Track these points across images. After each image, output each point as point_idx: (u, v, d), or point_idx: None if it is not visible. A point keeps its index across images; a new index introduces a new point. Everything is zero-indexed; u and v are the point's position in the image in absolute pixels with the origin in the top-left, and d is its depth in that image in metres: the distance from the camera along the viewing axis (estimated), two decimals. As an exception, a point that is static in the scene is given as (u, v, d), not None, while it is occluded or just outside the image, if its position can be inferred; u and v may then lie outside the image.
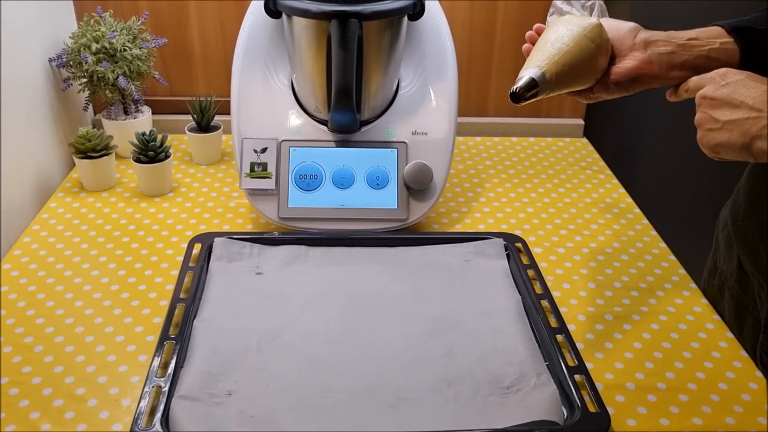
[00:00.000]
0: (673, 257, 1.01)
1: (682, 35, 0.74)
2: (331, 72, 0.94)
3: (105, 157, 1.11)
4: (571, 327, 0.84)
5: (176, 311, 0.83)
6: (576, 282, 0.95)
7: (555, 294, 0.91)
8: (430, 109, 1.06)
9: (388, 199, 1.01)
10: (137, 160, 1.10)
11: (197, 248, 0.95)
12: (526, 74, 0.74)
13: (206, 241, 0.96)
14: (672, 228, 1.12)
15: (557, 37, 0.76)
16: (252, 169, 1.01)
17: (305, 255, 0.96)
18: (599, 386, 0.75)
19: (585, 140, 1.39)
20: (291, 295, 0.88)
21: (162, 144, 1.11)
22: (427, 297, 0.89)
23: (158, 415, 0.69)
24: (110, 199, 1.11)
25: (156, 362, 0.75)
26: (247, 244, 0.96)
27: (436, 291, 0.90)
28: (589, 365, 0.78)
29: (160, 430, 0.67)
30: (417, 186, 1.01)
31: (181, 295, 0.86)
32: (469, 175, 1.23)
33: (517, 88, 0.74)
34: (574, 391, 0.73)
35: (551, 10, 0.86)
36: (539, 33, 0.79)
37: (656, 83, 0.75)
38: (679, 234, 1.11)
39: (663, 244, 1.05)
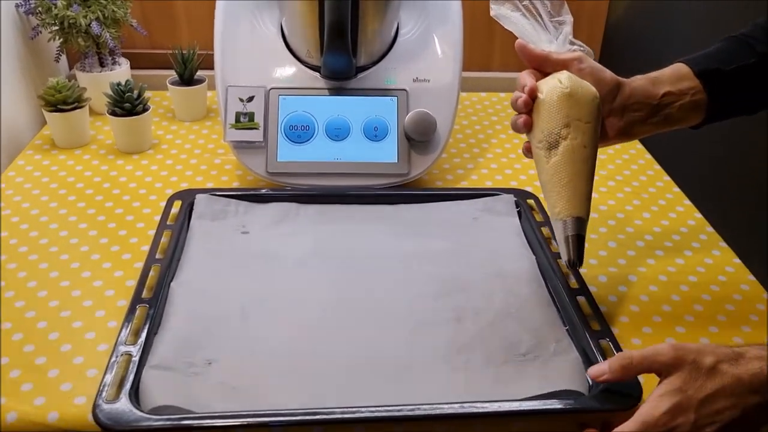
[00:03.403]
0: (699, 215, 0.93)
1: (658, 90, 0.69)
2: (324, 10, 0.85)
3: (77, 111, 1.02)
4: (592, 289, 0.76)
5: (151, 273, 0.75)
6: (595, 241, 0.86)
7: (572, 253, 0.82)
8: (433, 54, 0.96)
9: (388, 152, 0.92)
10: (112, 113, 1.01)
11: (177, 206, 0.86)
12: (568, 230, 0.66)
13: (187, 198, 0.87)
14: (694, 189, 1.03)
15: (578, 164, 0.66)
16: (237, 120, 0.92)
17: (296, 213, 0.87)
18: (627, 353, 0.67)
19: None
20: (280, 256, 0.79)
21: (140, 96, 1.01)
22: (432, 258, 0.80)
23: (127, 386, 0.60)
24: (84, 157, 1.02)
25: (126, 328, 0.67)
26: (233, 201, 0.87)
27: (441, 251, 0.81)
28: (614, 330, 0.70)
29: (128, 403, 0.58)
30: (419, 137, 0.92)
31: (157, 256, 0.77)
32: (474, 131, 1.14)
33: (572, 260, 0.66)
34: (599, 357, 0.65)
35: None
36: (532, 96, 0.67)
37: (629, 140, 0.73)
38: (703, 195, 1.03)
39: (687, 202, 0.96)
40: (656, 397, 0.56)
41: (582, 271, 0.79)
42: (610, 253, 0.84)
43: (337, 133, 0.92)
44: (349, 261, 0.79)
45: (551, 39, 0.70)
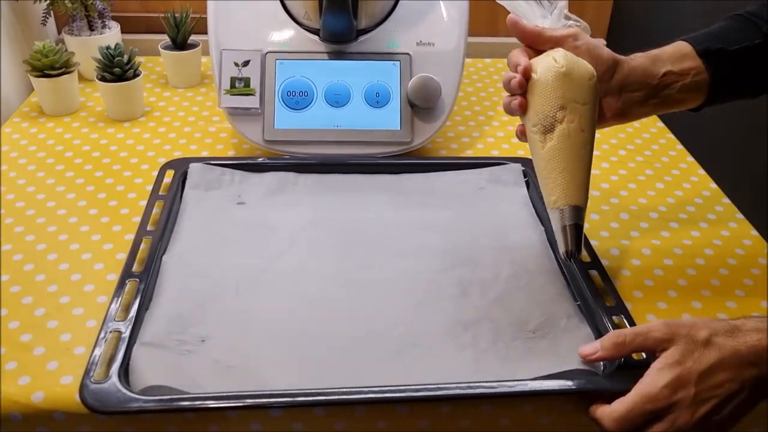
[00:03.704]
0: (714, 185, 0.89)
1: (658, 69, 0.65)
2: (323, -33, 0.80)
3: (65, 76, 0.98)
4: (603, 262, 0.72)
5: (142, 245, 0.71)
6: (606, 212, 0.83)
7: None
8: (437, 16, 0.92)
9: (390, 119, 0.88)
10: (102, 79, 0.96)
11: (169, 175, 0.82)
12: (565, 220, 0.62)
13: (180, 167, 0.83)
14: (708, 155, 0.99)
15: (575, 149, 0.62)
16: (233, 85, 0.87)
17: (294, 182, 0.83)
18: (642, 329, 0.64)
19: (607, 62, 1.25)
20: (278, 228, 0.76)
21: (130, 60, 0.97)
22: (436, 229, 0.77)
23: (116, 365, 0.57)
24: (73, 124, 0.98)
25: (115, 304, 0.63)
26: (228, 170, 0.83)
27: (445, 222, 0.78)
28: (627, 305, 0.67)
29: (117, 383, 0.55)
30: (423, 103, 0.87)
31: (149, 228, 0.74)
32: (479, 98, 1.10)
33: (570, 251, 0.61)
34: (613, 334, 0.62)
35: None
36: (526, 76, 0.62)
37: (625, 122, 0.69)
38: (718, 162, 0.99)
39: (702, 171, 0.92)
40: (655, 371, 0.54)
41: (593, 243, 0.75)
42: (622, 225, 0.80)
43: (337, 99, 0.88)
44: (349, 233, 0.76)
45: (545, 14, 0.65)
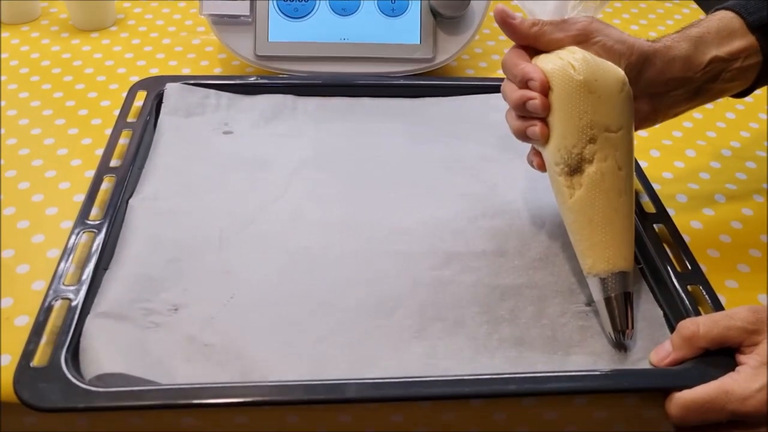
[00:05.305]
0: (794, 115, 0.75)
1: (702, 56, 0.52)
2: None
3: (20, -25, 0.82)
4: (669, 212, 0.59)
5: (104, 185, 0.58)
6: (668, 148, 0.69)
7: (642, 164, 0.65)
8: None
9: (408, 31, 0.74)
10: (63, -21, 0.81)
11: (141, 97, 0.69)
12: (609, 290, 0.48)
13: (155, 87, 0.69)
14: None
15: (613, 197, 0.48)
16: (217, -13, 0.72)
17: (293, 107, 0.70)
18: (722, 299, 0.51)
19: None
20: (272, 164, 0.63)
21: (97, -44, 0.81)
22: (464, 166, 0.64)
23: (62, 347, 0.45)
24: (31, 35, 0.83)
25: (66, 261, 0.51)
26: (212, 92, 0.70)
27: (475, 158, 0.65)
28: (701, 268, 0.54)
29: (63, 368, 0.43)
30: (448, 12, 0.73)
31: (113, 163, 0.60)
32: (513, 7, 0.94)
33: (620, 330, 0.48)
34: (689, 308, 0.49)
35: None
36: (544, 91, 0.48)
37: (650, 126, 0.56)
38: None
39: (778, 98, 0.78)
40: (750, 369, 0.43)
41: (655, 187, 0.62)
42: (688, 165, 0.67)
43: (344, 6, 0.73)
44: (358, 170, 0.63)
45: None
